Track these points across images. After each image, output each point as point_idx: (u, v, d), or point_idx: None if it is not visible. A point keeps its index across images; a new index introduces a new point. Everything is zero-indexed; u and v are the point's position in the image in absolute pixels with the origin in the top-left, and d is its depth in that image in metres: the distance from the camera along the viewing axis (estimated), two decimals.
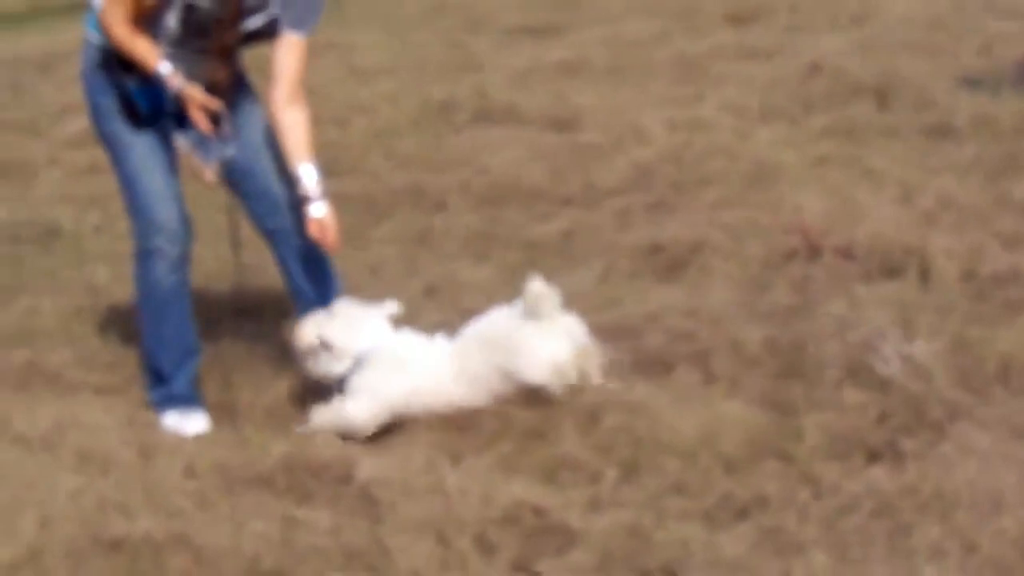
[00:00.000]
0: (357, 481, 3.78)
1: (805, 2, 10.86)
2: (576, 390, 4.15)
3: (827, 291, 4.90)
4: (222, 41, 4.18)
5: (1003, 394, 3.99)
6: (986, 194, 5.76)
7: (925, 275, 4.93)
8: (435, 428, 4.14)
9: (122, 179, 4.37)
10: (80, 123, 7.70)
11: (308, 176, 4.29)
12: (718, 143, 7.08)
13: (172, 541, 3.52)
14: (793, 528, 3.39)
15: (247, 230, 4.54)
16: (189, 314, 4.48)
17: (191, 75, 4.16)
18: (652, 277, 5.41)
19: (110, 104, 4.28)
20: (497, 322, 4.26)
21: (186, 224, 4.38)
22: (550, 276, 4.23)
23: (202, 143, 4.31)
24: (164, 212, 4.31)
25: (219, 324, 4.88)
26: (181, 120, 4.28)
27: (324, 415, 4.23)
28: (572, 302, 4.26)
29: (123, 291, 5.32)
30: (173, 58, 4.14)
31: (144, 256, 4.36)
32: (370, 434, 4.19)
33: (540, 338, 4.12)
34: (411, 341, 4.32)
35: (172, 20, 4.11)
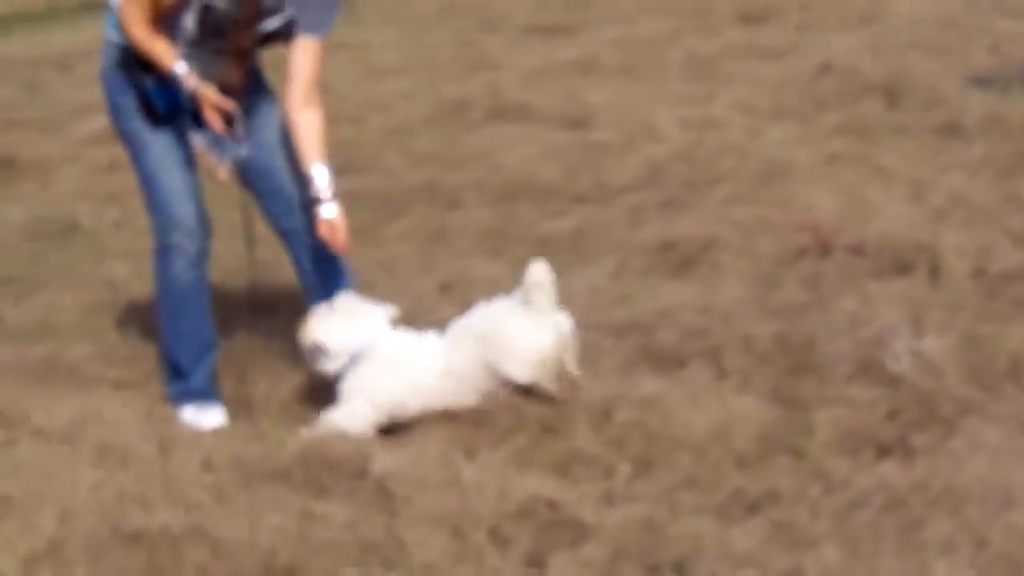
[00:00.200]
0: (373, 475, 3.79)
1: (816, 2, 10.89)
2: (589, 386, 4.17)
3: (838, 288, 4.91)
4: (238, 42, 4.20)
5: (1013, 390, 4.00)
6: (996, 192, 5.77)
7: (935, 272, 4.94)
8: (450, 423, 4.15)
9: (141, 176, 4.40)
10: (98, 121, 7.74)
11: (320, 177, 4.32)
12: (730, 141, 7.11)
13: (190, 534, 3.54)
14: (804, 523, 3.40)
15: (262, 227, 4.57)
16: (207, 310, 4.51)
17: (206, 75, 4.18)
18: (664, 274, 5.43)
19: (129, 102, 4.31)
20: (484, 318, 4.23)
21: (204, 221, 4.41)
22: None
23: (217, 142, 4.33)
24: (182, 209, 4.35)
25: (234, 320, 4.90)
26: (198, 119, 4.30)
27: (322, 423, 4.23)
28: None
29: (141, 287, 5.36)
30: (189, 58, 4.17)
31: (163, 252, 4.40)
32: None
33: (524, 334, 4.11)
34: (405, 340, 4.30)
35: (189, 21, 4.13)
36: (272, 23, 4.23)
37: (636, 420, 3.97)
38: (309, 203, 4.37)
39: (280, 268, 4.93)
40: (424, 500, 3.64)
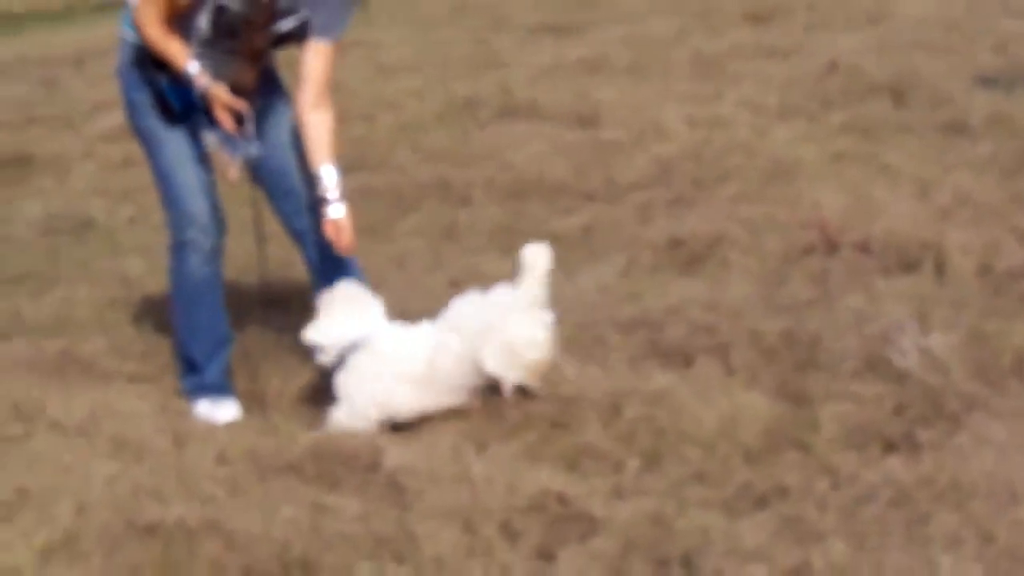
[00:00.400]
0: (384, 469, 3.82)
1: (822, 2, 10.89)
2: (598, 381, 4.19)
3: (845, 285, 4.93)
4: (252, 43, 4.22)
5: (1019, 386, 4.01)
6: (1001, 190, 5.78)
7: (941, 269, 4.96)
8: (460, 417, 4.17)
9: (156, 173, 4.44)
10: (114, 118, 7.80)
11: (328, 177, 4.33)
12: (737, 140, 7.12)
13: (204, 526, 3.57)
14: (812, 517, 3.41)
15: (272, 225, 4.60)
16: (221, 305, 4.55)
17: (219, 75, 4.20)
18: (673, 271, 5.45)
19: (145, 100, 4.35)
20: (468, 313, 4.21)
21: (219, 217, 4.45)
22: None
23: (228, 141, 4.36)
24: (197, 205, 4.39)
25: (247, 316, 4.94)
26: (210, 118, 4.33)
27: (329, 423, 4.24)
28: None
29: (156, 282, 5.40)
30: (202, 58, 4.19)
31: (178, 248, 4.43)
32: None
33: (507, 329, 4.11)
34: (398, 335, 4.27)
35: (203, 21, 4.15)
36: (286, 24, 4.26)
37: (645, 415, 3.99)
38: (317, 203, 4.39)
39: (291, 265, 4.97)
40: (435, 494, 3.67)
